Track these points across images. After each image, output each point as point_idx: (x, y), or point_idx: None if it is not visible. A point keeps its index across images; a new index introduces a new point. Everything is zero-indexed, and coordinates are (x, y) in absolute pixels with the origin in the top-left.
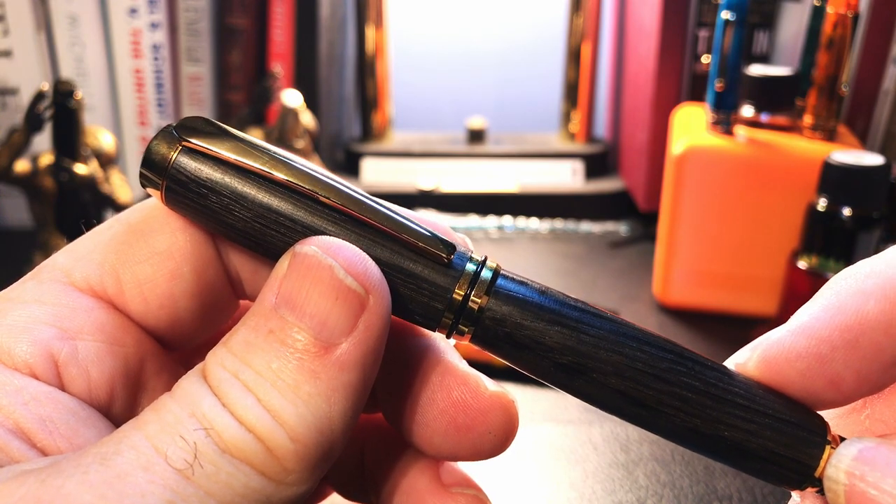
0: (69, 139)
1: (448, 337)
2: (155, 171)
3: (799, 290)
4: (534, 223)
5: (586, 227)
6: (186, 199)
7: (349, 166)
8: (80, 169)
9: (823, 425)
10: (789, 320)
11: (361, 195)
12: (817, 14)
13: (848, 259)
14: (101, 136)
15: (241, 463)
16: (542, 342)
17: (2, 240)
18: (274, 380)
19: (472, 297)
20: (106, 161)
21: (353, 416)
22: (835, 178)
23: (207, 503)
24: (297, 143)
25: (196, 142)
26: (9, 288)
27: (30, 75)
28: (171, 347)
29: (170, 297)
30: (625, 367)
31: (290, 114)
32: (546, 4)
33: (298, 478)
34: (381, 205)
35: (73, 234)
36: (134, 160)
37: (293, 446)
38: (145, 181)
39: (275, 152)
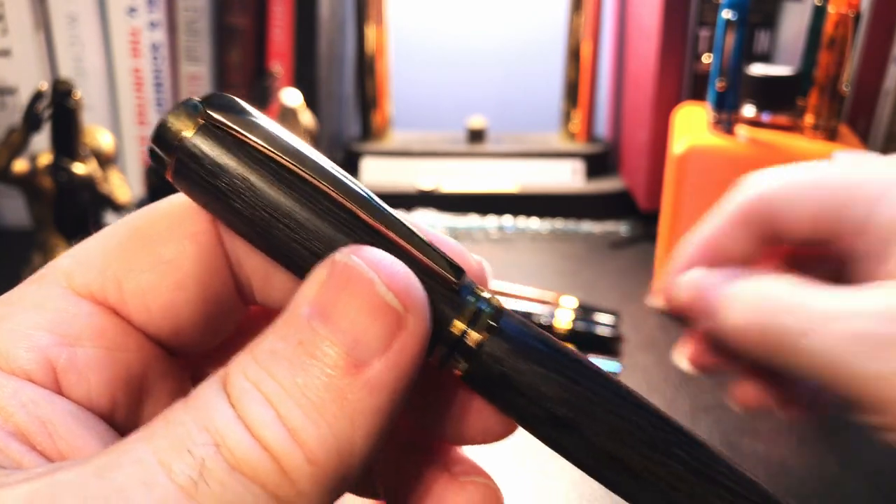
0: (68, 139)
1: (440, 368)
2: (166, 144)
3: None
4: (534, 223)
5: (587, 226)
6: (196, 178)
7: (349, 166)
8: (78, 169)
9: None
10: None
11: (381, 204)
12: (818, 14)
13: None
14: (99, 136)
15: (252, 483)
16: (539, 389)
17: (0, 239)
18: (298, 396)
19: (471, 331)
20: (105, 161)
21: (376, 442)
22: None
23: None
24: None
25: (220, 118)
26: (11, 291)
27: (28, 75)
28: (176, 353)
29: (172, 307)
30: (619, 429)
31: (290, 113)
32: (546, 4)
33: (311, 502)
34: (399, 217)
35: (71, 233)
36: (133, 160)
37: (310, 469)
38: (154, 156)
39: (295, 143)
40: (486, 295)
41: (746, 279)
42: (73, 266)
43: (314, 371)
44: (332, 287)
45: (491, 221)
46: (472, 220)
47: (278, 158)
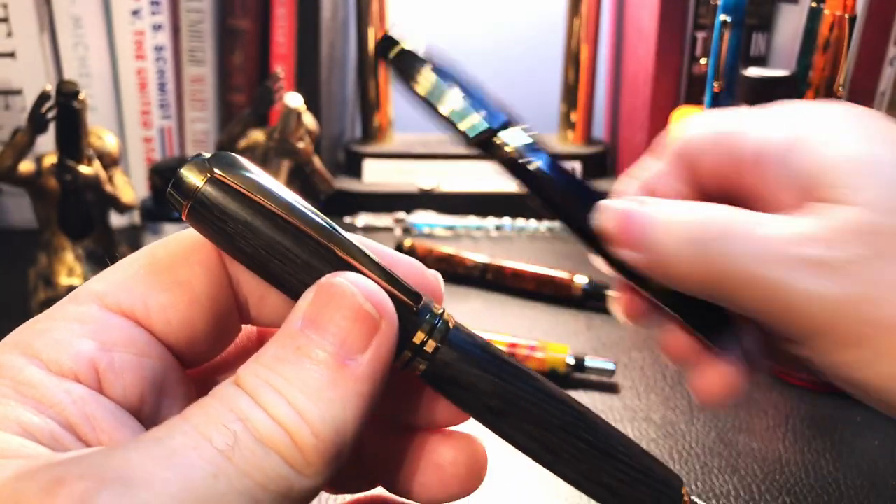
0: (73, 140)
1: (402, 369)
2: (182, 192)
3: None
4: (532, 223)
5: None
6: (206, 221)
7: (350, 167)
8: (83, 169)
9: (679, 484)
10: None
11: (351, 242)
12: (814, 16)
13: None
14: (104, 137)
15: (272, 452)
16: (478, 386)
17: (6, 239)
18: (301, 386)
19: (429, 341)
20: (109, 162)
21: (362, 422)
22: None
23: (244, 481)
24: (298, 144)
25: (223, 175)
26: (51, 308)
27: (33, 76)
28: (187, 364)
29: (189, 320)
30: (538, 417)
31: (292, 115)
32: (545, 6)
33: (315, 471)
34: (370, 255)
35: (76, 233)
36: (137, 161)
37: (314, 441)
38: (172, 199)
39: (286, 195)
40: (440, 311)
41: (680, 204)
42: (105, 287)
43: (311, 367)
44: (320, 302)
45: (490, 221)
46: (471, 220)
47: (272, 208)
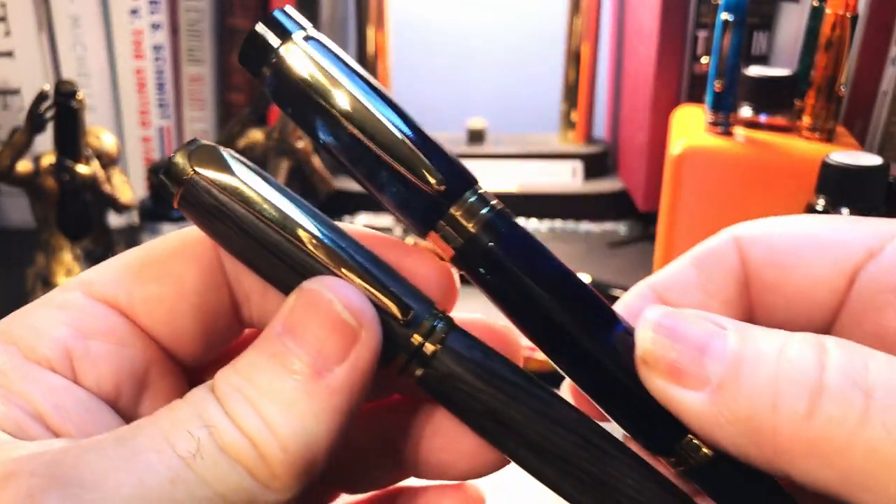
0: (71, 139)
1: (399, 374)
2: (173, 179)
3: None
4: (533, 223)
5: (586, 226)
6: (195, 212)
7: None
8: (81, 169)
9: None
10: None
11: (341, 239)
12: (816, 15)
13: None
14: (102, 137)
15: (236, 463)
16: (477, 399)
17: (4, 239)
18: (272, 396)
19: (426, 345)
20: (107, 161)
21: (337, 437)
22: (833, 179)
23: (203, 490)
24: (297, 144)
25: (204, 172)
26: (41, 297)
27: (31, 76)
28: (179, 361)
29: (174, 313)
30: (536, 445)
31: None
32: (545, 6)
33: (283, 485)
34: (356, 253)
35: (74, 233)
36: (136, 160)
37: (283, 455)
38: (163, 187)
39: (271, 190)
40: (439, 313)
41: (779, 334)
42: (93, 276)
43: (285, 377)
44: (299, 308)
45: None
46: None
47: (250, 205)
